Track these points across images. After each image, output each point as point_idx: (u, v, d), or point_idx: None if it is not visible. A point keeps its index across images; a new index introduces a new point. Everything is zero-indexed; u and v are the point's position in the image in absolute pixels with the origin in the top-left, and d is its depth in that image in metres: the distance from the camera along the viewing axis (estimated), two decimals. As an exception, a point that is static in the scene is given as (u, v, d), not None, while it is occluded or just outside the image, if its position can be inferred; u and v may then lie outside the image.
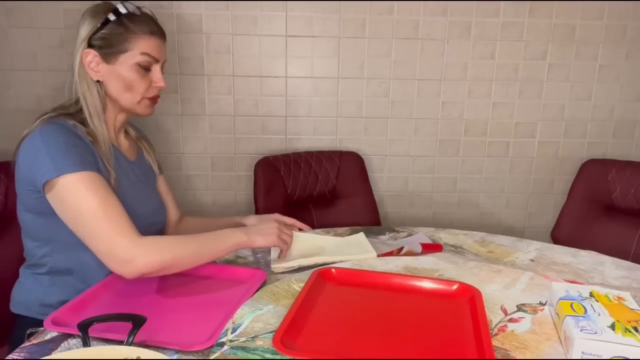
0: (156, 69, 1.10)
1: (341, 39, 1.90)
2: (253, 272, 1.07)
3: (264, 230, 1.07)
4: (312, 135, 1.99)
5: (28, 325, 0.99)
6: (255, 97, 1.94)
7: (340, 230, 1.41)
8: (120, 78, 1.07)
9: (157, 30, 1.09)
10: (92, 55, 1.05)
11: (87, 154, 0.99)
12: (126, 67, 1.06)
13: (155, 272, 0.96)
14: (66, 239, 1.00)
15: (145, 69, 1.08)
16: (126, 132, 1.22)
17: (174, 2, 1.82)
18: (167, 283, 1.03)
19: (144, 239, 0.95)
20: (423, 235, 1.36)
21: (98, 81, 1.07)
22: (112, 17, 1.05)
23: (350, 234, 1.33)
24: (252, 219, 1.26)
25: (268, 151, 1.97)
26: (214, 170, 2.00)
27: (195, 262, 0.99)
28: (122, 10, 1.05)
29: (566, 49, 1.95)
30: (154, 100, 1.13)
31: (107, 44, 1.05)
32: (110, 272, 1.03)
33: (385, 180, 2.06)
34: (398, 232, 1.41)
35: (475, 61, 1.95)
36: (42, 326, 0.86)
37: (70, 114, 1.06)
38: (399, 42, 1.91)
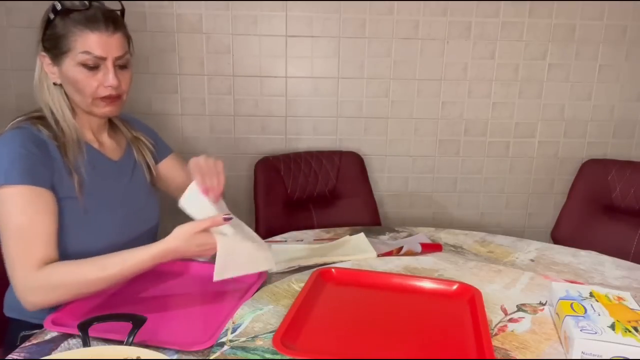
0: (106, 66, 0.99)
1: (341, 39, 1.90)
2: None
3: (196, 251, 0.95)
4: (312, 135, 1.99)
5: (21, 328, 0.99)
6: (255, 97, 1.94)
7: (340, 230, 1.41)
8: (69, 80, 1.00)
9: (100, 25, 0.97)
10: (46, 58, 1.00)
11: (39, 166, 0.95)
12: (71, 68, 0.98)
13: (49, 306, 0.92)
14: None
15: (92, 67, 0.98)
16: (115, 131, 1.17)
17: (174, 2, 1.82)
18: (167, 283, 1.03)
19: (37, 275, 0.90)
20: (423, 235, 1.36)
21: (55, 83, 1.02)
22: (51, 15, 0.97)
23: (351, 234, 1.33)
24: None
25: (268, 151, 1.97)
26: (214, 170, 2.00)
27: (99, 289, 0.93)
28: (58, 7, 0.97)
29: (566, 49, 1.95)
30: (109, 100, 1.02)
31: (52, 46, 0.98)
32: None
33: (385, 180, 2.06)
34: (398, 232, 1.40)
35: (475, 61, 1.95)
36: (35, 329, 0.86)
37: (40, 117, 1.02)
38: (399, 42, 1.91)
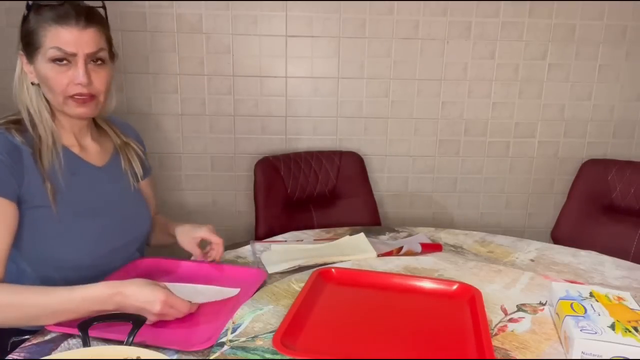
0: (77, 62, 0.95)
1: (341, 39, 1.90)
2: (253, 272, 1.07)
3: (142, 302, 0.83)
4: (312, 135, 1.99)
5: (11, 334, 0.97)
6: (255, 97, 1.94)
7: (340, 230, 1.41)
8: (41, 77, 0.96)
9: (70, 20, 0.93)
10: (23, 57, 0.98)
11: (5, 174, 0.91)
12: (43, 65, 0.95)
13: None
14: (16, 254, 0.97)
15: (63, 64, 0.95)
16: (102, 136, 1.13)
17: (174, 2, 1.82)
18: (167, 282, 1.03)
19: None
20: (423, 235, 1.36)
21: (33, 83, 0.99)
22: (25, 12, 0.95)
23: (351, 234, 1.33)
24: (184, 228, 1.14)
25: (268, 151, 1.97)
26: (214, 170, 2.00)
27: (33, 323, 0.85)
28: (29, 2, 0.95)
29: (566, 49, 1.95)
30: (80, 99, 0.97)
31: (26, 43, 0.96)
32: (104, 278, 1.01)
33: (385, 180, 2.06)
34: (398, 232, 1.40)
35: (475, 61, 1.95)
36: (24, 335, 0.86)
37: (16, 121, 0.99)
38: (399, 42, 1.91)
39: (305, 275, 1.04)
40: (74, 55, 0.95)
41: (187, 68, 1.89)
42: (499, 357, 0.79)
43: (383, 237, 1.35)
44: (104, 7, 1.01)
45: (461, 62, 1.95)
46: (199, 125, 1.94)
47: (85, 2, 0.99)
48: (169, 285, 0.98)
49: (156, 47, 1.86)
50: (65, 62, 0.95)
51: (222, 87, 1.92)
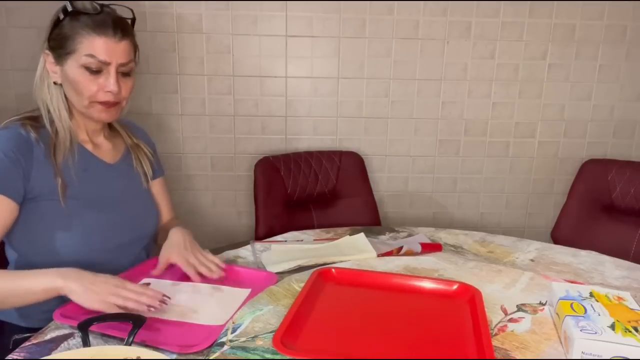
0: (109, 71, 0.99)
1: (341, 39, 1.90)
2: (263, 274, 1.07)
3: (92, 287, 0.86)
4: (312, 135, 1.99)
5: (13, 331, 0.99)
6: (255, 97, 1.94)
7: (340, 230, 1.41)
8: (69, 80, 1.00)
9: (108, 30, 0.97)
10: (50, 57, 1.01)
11: (10, 170, 0.94)
12: (73, 69, 0.98)
13: None
14: (26, 248, 0.98)
15: (95, 71, 0.99)
16: (114, 135, 1.16)
17: (174, 2, 1.82)
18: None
19: None
20: (423, 235, 1.36)
21: (55, 83, 1.02)
22: (61, 15, 0.99)
23: (351, 234, 1.33)
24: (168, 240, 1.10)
25: (268, 151, 1.97)
26: (214, 170, 2.00)
27: None
28: (69, 7, 0.98)
29: (566, 49, 1.95)
30: (107, 104, 1.02)
31: (57, 45, 0.99)
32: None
33: (385, 180, 2.06)
34: (398, 232, 1.40)
35: (475, 61, 1.95)
36: (26, 332, 0.86)
37: (33, 117, 1.02)
38: (399, 42, 1.91)
39: (305, 275, 1.04)
40: (108, 64, 0.99)
41: (187, 68, 1.89)
42: (499, 357, 0.79)
43: (383, 237, 1.35)
44: (133, 17, 1.05)
45: (461, 62, 1.95)
46: (199, 125, 1.94)
47: (116, 9, 1.02)
48: (181, 284, 1.01)
49: (156, 47, 1.86)
50: (97, 70, 0.99)
51: (222, 87, 1.92)
